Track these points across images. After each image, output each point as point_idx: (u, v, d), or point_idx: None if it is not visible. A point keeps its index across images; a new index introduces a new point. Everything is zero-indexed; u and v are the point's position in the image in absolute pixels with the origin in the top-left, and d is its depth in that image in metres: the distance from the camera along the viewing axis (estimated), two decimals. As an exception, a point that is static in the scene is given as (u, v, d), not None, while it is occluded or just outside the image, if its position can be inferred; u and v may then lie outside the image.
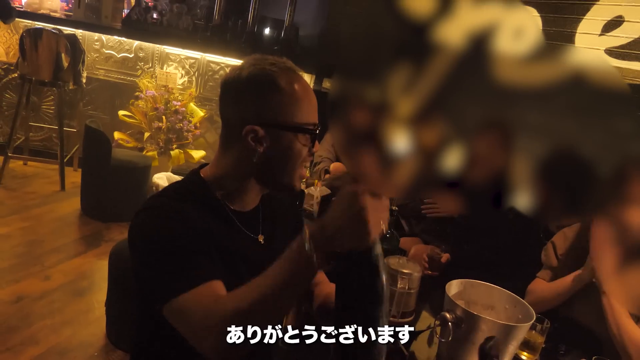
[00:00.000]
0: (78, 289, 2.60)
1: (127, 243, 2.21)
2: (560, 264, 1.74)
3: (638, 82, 2.59)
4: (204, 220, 0.98)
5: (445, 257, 2.02)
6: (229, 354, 0.81)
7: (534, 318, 1.18)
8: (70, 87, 3.88)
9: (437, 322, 1.17)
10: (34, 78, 3.60)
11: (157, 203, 1.00)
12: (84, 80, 3.95)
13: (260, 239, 1.10)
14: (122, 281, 2.08)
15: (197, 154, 4.11)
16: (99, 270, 2.76)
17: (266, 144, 0.98)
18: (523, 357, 1.39)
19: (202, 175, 1.06)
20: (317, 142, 1.04)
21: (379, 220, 0.75)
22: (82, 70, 3.87)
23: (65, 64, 3.67)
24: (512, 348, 1.17)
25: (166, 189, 1.06)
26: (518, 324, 1.14)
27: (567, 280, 1.66)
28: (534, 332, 1.37)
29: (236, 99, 1.00)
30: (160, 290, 0.90)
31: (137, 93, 4.05)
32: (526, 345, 1.38)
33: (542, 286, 1.75)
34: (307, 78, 4.34)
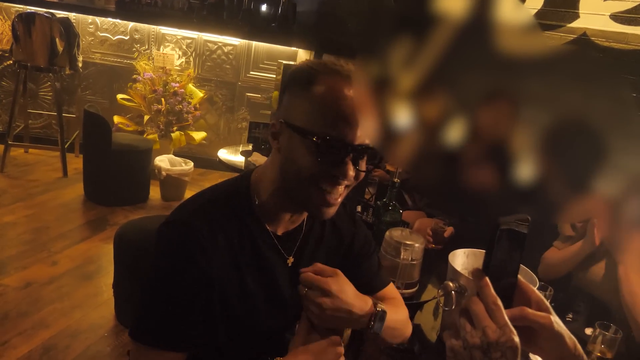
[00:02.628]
0: (85, 273, 2.63)
1: (131, 225, 2.22)
2: (577, 233, 1.73)
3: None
4: (230, 244, 0.92)
5: (449, 230, 2.02)
6: None
7: (537, 284, 1.18)
8: (66, 72, 3.86)
9: (441, 292, 1.18)
10: (29, 64, 3.57)
11: (186, 217, 0.92)
12: (80, 65, 3.91)
13: (290, 260, 1.02)
14: (128, 263, 2.09)
15: (198, 136, 4.10)
16: (105, 254, 2.79)
17: (282, 143, 0.91)
18: (527, 324, 1.40)
19: (251, 180, 0.98)
20: (350, 164, 0.86)
21: None
22: (78, 54, 3.84)
23: (60, 49, 3.63)
24: (516, 315, 1.17)
25: (208, 193, 0.97)
26: (521, 291, 1.14)
27: (574, 248, 1.67)
28: (538, 299, 1.38)
29: (281, 93, 0.95)
30: (136, 323, 0.90)
31: (134, 76, 4.02)
32: (530, 312, 1.39)
33: (553, 253, 1.77)
34: (306, 55, 4.29)
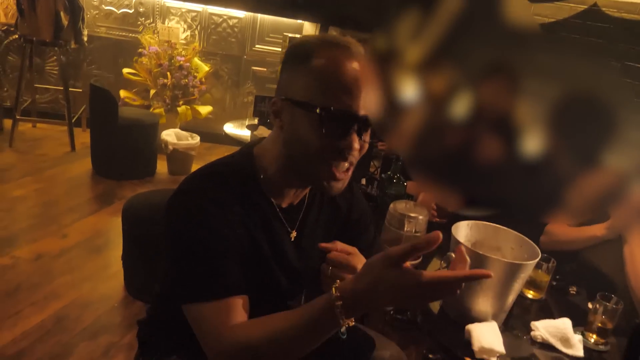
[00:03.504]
0: (95, 246, 2.68)
1: (138, 198, 2.24)
2: (594, 214, 1.71)
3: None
4: (239, 211, 0.92)
5: (453, 203, 2.01)
6: None
7: (539, 257, 1.18)
8: (72, 47, 3.85)
9: (444, 264, 1.19)
10: (34, 39, 3.56)
11: (196, 188, 0.92)
12: (85, 39, 3.90)
13: (293, 235, 1.02)
14: (136, 235, 2.13)
15: (204, 110, 4.09)
16: (114, 227, 2.83)
17: (284, 120, 0.90)
18: (529, 295, 1.41)
19: (254, 154, 0.98)
20: (354, 136, 0.86)
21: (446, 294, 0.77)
22: (83, 28, 3.82)
23: (65, 23, 3.61)
24: (517, 286, 1.18)
25: (211, 166, 0.97)
26: (522, 262, 1.15)
27: (587, 232, 1.63)
28: (539, 271, 1.39)
29: (280, 71, 0.94)
30: (181, 291, 0.88)
31: (140, 50, 4.00)
32: (532, 284, 1.40)
33: (561, 229, 1.73)
34: (312, 28, 4.23)
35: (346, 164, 0.89)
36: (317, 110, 0.83)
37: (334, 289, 0.77)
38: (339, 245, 0.93)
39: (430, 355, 2.06)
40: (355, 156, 0.89)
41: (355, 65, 0.84)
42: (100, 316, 2.13)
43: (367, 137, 0.89)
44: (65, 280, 2.34)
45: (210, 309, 0.84)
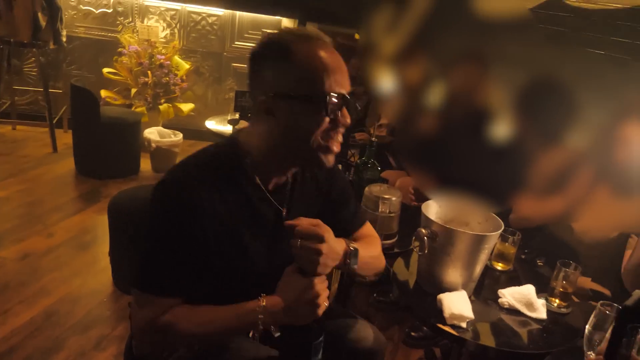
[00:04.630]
0: (82, 243, 2.71)
1: (124, 194, 2.29)
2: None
3: (610, 7, 2.59)
4: (224, 199, 0.99)
5: (430, 187, 2.09)
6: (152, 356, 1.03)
7: (502, 228, 1.27)
8: (51, 47, 3.84)
9: (414, 239, 1.27)
10: (12, 39, 3.55)
11: (179, 179, 0.99)
12: (64, 39, 3.90)
13: (284, 212, 1.09)
14: (123, 230, 2.17)
15: (186, 107, 4.12)
16: (100, 224, 2.86)
17: (280, 116, 0.96)
18: (498, 267, 1.50)
19: (239, 143, 1.05)
20: (345, 111, 0.98)
21: (324, 301, 0.98)
22: (61, 28, 3.82)
23: (43, 23, 3.61)
24: (483, 256, 1.27)
25: (198, 155, 1.04)
26: (486, 234, 1.23)
27: (548, 208, 1.73)
28: (506, 244, 1.48)
29: (255, 68, 0.99)
30: (138, 274, 0.99)
31: (120, 49, 4.01)
32: (500, 256, 1.49)
33: (526, 207, 1.82)
34: (290, 24, 4.29)
35: (340, 137, 1.01)
36: (319, 100, 0.94)
37: (260, 298, 0.98)
38: (304, 220, 1.00)
39: (413, 333, 2.15)
40: (345, 128, 1.01)
41: (332, 51, 0.96)
42: (90, 310, 2.18)
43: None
44: (54, 277, 2.37)
45: (153, 301, 0.97)
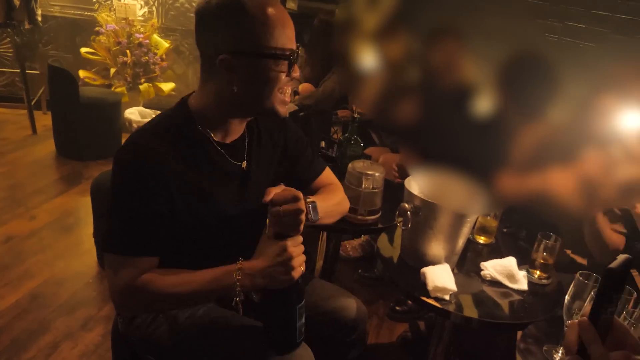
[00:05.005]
0: (65, 225, 2.68)
1: (107, 175, 2.26)
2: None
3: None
4: (183, 157, 1.02)
5: (413, 164, 2.11)
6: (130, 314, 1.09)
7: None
8: (26, 27, 3.73)
9: (398, 213, 1.28)
10: (-15, 19, 3.45)
11: (138, 140, 1.01)
12: (40, 19, 3.79)
13: (244, 164, 1.12)
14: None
15: (167, 87, 4.06)
16: (83, 206, 2.83)
17: (240, 72, 0.99)
18: (481, 241, 1.53)
19: (189, 105, 1.07)
20: (296, 67, 1.03)
21: (300, 265, 1.00)
22: (36, 7, 3.71)
23: (17, 3, 3.51)
24: (465, 229, 1.29)
25: (152, 121, 1.07)
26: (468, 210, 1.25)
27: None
28: (488, 217, 1.50)
29: (208, 28, 0.99)
30: (105, 239, 0.99)
31: (97, 28, 3.92)
32: (482, 230, 1.52)
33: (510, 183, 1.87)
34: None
35: (290, 90, 1.05)
36: (278, 55, 0.98)
37: (238, 262, 0.99)
38: (272, 189, 1.02)
39: (397, 307, 2.19)
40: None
41: (281, 7, 1.00)
42: (75, 292, 2.17)
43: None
44: (38, 260, 2.35)
45: (126, 263, 0.97)
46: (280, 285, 1.00)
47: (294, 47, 1.02)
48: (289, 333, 1.04)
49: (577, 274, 1.06)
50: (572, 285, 1.08)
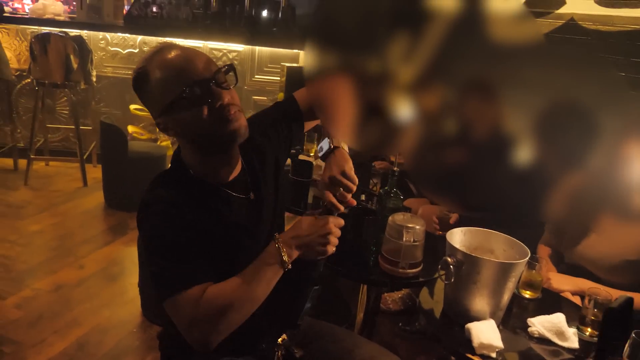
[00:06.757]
0: (111, 274, 2.78)
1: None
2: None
3: (628, 29, 2.62)
4: (193, 205, 1.07)
5: (454, 217, 2.11)
6: (211, 346, 1.00)
7: (528, 256, 1.28)
8: (81, 87, 4.02)
9: (440, 267, 1.29)
10: (46, 81, 3.74)
11: (154, 198, 1.07)
12: (94, 79, 4.08)
13: (252, 196, 1.18)
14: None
15: (209, 140, 4.23)
16: (129, 256, 2.93)
17: (175, 127, 1.06)
18: (526, 295, 1.50)
19: (182, 159, 1.13)
20: (214, 88, 1.02)
21: (335, 241, 1.05)
22: (92, 69, 4.00)
23: (75, 66, 3.79)
24: (510, 284, 1.28)
25: (156, 179, 1.13)
26: (512, 261, 1.24)
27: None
28: (533, 271, 1.48)
29: (142, 101, 1.10)
30: (158, 290, 1.02)
31: (145, 86, 4.16)
32: (528, 284, 1.49)
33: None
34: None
35: (233, 108, 1.04)
36: (188, 95, 1.00)
37: (275, 235, 1.04)
38: (324, 177, 1.16)
39: (440, 364, 2.12)
40: (233, 98, 1.05)
41: (179, 49, 1.04)
42: (120, 340, 2.22)
43: (229, 80, 1.07)
44: (85, 308, 2.43)
45: (183, 299, 0.98)
46: (314, 256, 1.04)
47: (210, 73, 1.02)
48: (294, 311, 1.05)
49: (633, 333, 1.03)
50: (627, 345, 1.04)
